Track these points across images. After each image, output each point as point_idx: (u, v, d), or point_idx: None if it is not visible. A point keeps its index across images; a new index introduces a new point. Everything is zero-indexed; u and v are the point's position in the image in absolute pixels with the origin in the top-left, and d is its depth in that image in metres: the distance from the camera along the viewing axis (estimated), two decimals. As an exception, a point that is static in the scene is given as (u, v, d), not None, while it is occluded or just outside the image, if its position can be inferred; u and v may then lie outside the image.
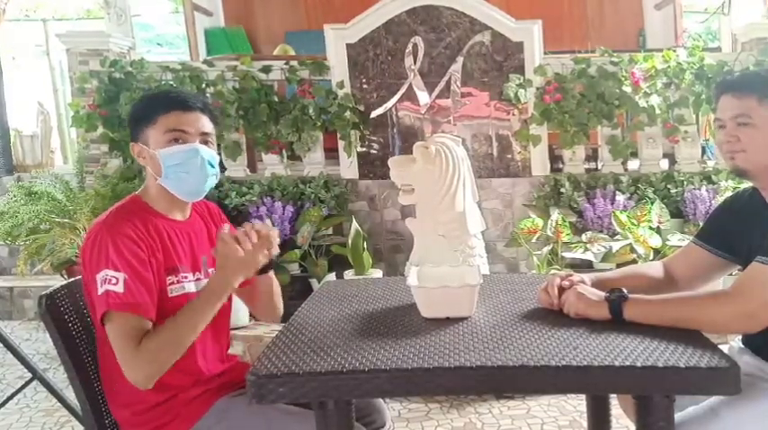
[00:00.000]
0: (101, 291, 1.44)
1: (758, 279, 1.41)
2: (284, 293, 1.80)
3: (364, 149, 4.31)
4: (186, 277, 1.60)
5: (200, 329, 1.50)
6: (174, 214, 1.64)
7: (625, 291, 1.46)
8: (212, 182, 1.63)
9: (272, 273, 1.72)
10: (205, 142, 1.60)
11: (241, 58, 4.52)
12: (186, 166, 1.56)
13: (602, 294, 1.48)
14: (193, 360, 1.59)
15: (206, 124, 1.61)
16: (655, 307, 1.44)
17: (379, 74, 4.26)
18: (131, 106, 1.66)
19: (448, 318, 1.52)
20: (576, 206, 4.03)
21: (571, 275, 1.62)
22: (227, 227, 1.59)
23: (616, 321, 1.45)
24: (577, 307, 1.49)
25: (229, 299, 1.71)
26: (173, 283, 1.57)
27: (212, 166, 1.61)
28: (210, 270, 1.67)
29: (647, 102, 4.05)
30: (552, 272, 3.37)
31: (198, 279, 1.64)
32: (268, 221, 1.61)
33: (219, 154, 1.67)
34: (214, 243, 1.69)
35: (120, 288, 1.43)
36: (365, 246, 3.82)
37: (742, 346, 1.66)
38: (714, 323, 1.41)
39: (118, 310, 1.43)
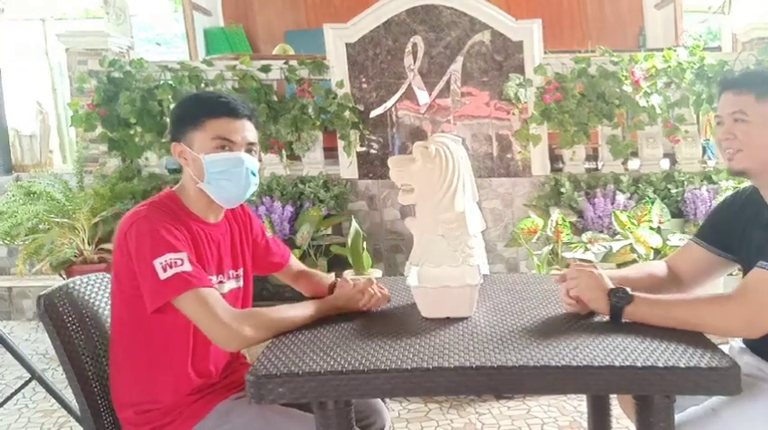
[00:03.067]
0: (166, 275, 1.43)
1: (759, 285, 1.41)
2: (284, 293, 1.82)
3: (364, 149, 4.31)
4: (210, 280, 1.60)
5: (292, 328, 1.55)
6: (208, 217, 1.64)
7: (629, 291, 1.44)
8: (253, 190, 1.65)
9: None
10: (249, 151, 1.61)
11: (240, 57, 4.52)
12: (230, 175, 1.57)
13: (607, 286, 1.47)
14: (206, 363, 1.60)
15: (252, 133, 1.62)
16: (655, 309, 1.43)
17: (379, 73, 4.26)
18: (177, 104, 1.67)
19: (448, 318, 1.52)
20: (576, 206, 4.03)
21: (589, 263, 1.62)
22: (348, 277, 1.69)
23: (614, 322, 1.44)
24: (582, 290, 1.48)
25: (244, 298, 1.72)
26: None
27: (254, 175, 1.62)
28: (231, 272, 1.68)
29: (647, 101, 4.05)
30: (552, 272, 3.37)
31: (221, 281, 1.65)
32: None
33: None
34: (234, 245, 1.71)
35: (187, 267, 1.45)
36: (365, 245, 3.82)
37: (742, 346, 1.66)
38: (715, 328, 1.41)
39: (195, 287, 1.45)
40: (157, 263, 1.44)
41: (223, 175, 1.57)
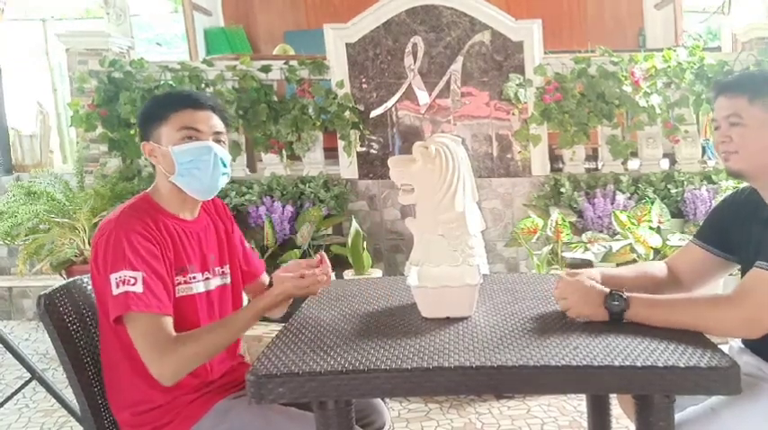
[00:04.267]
0: (117, 291, 1.43)
1: (758, 285, 1.41)
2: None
3: (364, 149, 4.31)
4: (195, 277, 1.61)
5: (237, 337, 1.55)
6: (184, 214, 1.64)
7: (625, 295, 1.43)
8: (225, 180, 1.64)
9: None
10: (217, 141, 1.61)
11: (240, 57, 4.52)
12: (199, 164, 1.57)
13: (603, 294, 1.45)
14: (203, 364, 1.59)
15: (218, 123, 1.62)
16: (654, 310, 1.42)
17: (379, 73, 4.26)
18: (142, 106, 1.68)
19: (448, 318, 1.52)
20: (576, 206, 4.03)
21: (576, 273, 1.60)
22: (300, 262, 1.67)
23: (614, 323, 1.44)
24: (577, 309, 1.47)
25: (234, 296, 1.72)
26: (180, 284, 1.57)
27: (224, 165, 1.62)
28: (218, 268, 1.68)
29: (647, 101, 4.05)
30: (552, 272, 3.37)
31: (207, 278, 1.64)
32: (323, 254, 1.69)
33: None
34: (221, 240, 1.70)
35: (138, 288, 1.43)
36: (365, 245, 3.82)
37: (742, 346, 1.66)
38: (714, 328, 1.41)
39: (140, 311, 1.43)
40: (113, 277, 1.44)
41: (193, 165, 1.56)
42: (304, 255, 3.89)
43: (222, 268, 1.70)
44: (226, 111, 1.70)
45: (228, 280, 1.72)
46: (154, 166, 1.64)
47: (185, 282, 1.58)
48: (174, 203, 1.62)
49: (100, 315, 1.57)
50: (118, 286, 1.43)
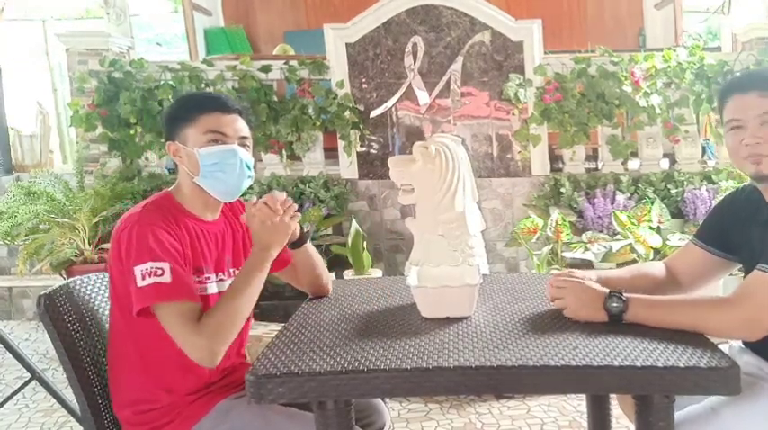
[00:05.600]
0: (144, 283, 1.43)
1: (759, 287, 1.40)
2: (284, 292, 1.81)
3: (364, 149, 4.31)
4: (209, 278, 1.61)
5: (254, 299, 1.54)
6: (205, 215, 1.65)
7: (624, 296, 1.42)
8: (248, 183, 1.66)
9: (307, 246, 1.75)
10: (243, 145, 1.63)
11: (240, 57, 4.52)
12: (224, 166, 1.58)
13: (602, 295, 1.45)
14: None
15: (244, 128, 1.64)
16: (654, 311, 1.42)
17: (379, 73, 4.26)
18: (169, 105, 1.71)
19: (448, 318, 1.52)
20: (576, 206, 4.03)
21: (573, 272, 1.60)
22: (254, 197, 1.60)
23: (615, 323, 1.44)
24: (575, 311, 1.46)
25: None
26: (194, 283, 1.57)
27: (249, 168, 1.64)
28: (233, 270, 1.69)
29: (647, 101, 4.06)
30: (552, 272, 3.37)
31: (221, 280, 1.65)
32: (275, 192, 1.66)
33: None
34: (237, 243, 1.71)
35: (167, 278, 1.44)
36: (365, 245, 3.82)
37: (742, 346, 1.66)
38: (715, 330, 1.40)
39: (171, 301, 1.44)
40: (137, 269, 1.45)
41: (217, 167, 1.58)
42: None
43: (237, 270, 1.70)
44: (251, 116, 1.71)
45: None
46: (177, 166, 1.65)
47: (200, 283, 1.59)
48: (195, 204, 1.63)
49: (113, 309, 1.58)
50: (144, 278, 1.44)
